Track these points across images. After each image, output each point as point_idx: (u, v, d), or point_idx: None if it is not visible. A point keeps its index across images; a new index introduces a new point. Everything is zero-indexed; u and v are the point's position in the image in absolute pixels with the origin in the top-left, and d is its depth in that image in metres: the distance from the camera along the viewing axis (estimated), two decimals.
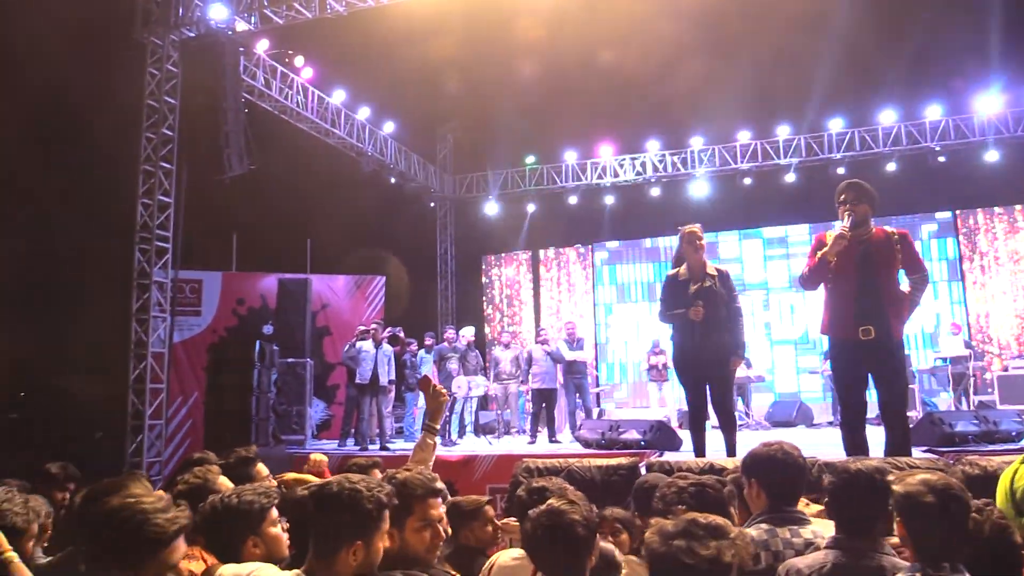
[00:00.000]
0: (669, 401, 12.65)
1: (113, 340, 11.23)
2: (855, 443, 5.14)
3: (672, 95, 13.68)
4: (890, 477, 2.45)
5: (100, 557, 2.00)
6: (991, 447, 6.68)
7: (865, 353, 5.08)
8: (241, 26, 11.30)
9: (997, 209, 14.91)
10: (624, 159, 16.49)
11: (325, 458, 5.98)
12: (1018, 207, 14.79)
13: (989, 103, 14.10)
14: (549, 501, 2.43)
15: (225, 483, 2.97)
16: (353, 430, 10.56)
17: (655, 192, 16.31)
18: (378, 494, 2.19)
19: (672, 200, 16.21)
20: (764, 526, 2.75)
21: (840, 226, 5.16)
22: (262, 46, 12.31)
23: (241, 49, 11.39)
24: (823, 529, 2.67)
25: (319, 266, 14.41)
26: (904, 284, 5.28)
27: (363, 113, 14.70)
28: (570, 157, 16.84)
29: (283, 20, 11.35)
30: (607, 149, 16.50)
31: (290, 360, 11.45)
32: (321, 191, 14.61)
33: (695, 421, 6.44)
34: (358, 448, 9.92)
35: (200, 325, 13.29)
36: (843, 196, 5.25)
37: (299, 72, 13.18)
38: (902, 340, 5.28)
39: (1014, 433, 7.14)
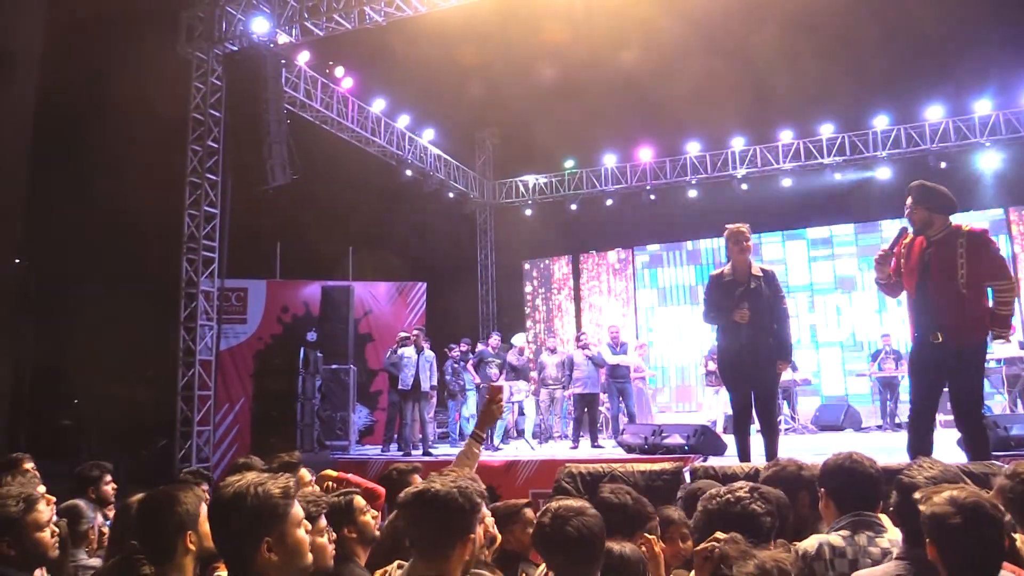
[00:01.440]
0: (722, 406, 12.51)
1: (163, 348, 11.48)
2: (915, 445, 5.08)
3: (710, 96, 13.56)
4: (917, 495, 2.35)
5: (226, 546, 2.06)
6: None
7: (937, 357, 4.95)
8: (282, 39, 11.49)
9: None
10: (664, 161, 16.38)
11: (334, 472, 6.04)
12: None
13: None
14: (560, 502, 2.45)
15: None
16: (396, 435, 10.65)
17: (695, 194, 16.17)
18: (474, 487, 2.28)
19: (713, 202, 16.04)
20: (844, 533, 2.72)
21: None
22: (303, 58, 12.52)
23: (283, 61, 11.57)
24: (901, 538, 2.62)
25: (361, 273, 14.58)
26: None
27: (402, 121, 14.84)
28: (609, 160, 16.78)
29: (323, 32, 11.51)
30: (646, 151, 16.41)
31: (334, 366, 11.60)
32: (362, 199, 14.79)
33: (740, 425, 6.33)
34: (401, 453, 9.99)
35: (246, 333, 13.52)
36: (906, 200, 5.07)
37: (339, 82, 13.38)
38: (974, 345, 5.00)
39: None
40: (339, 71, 13.28)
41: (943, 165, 14.40)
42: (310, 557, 2.15)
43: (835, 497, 2.87)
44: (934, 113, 14.39)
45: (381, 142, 14.38)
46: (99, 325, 14.34)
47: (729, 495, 2.59)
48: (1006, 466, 3.47)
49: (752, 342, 6.00)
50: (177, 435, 10.66)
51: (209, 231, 11.14)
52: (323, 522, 2.55)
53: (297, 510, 2.14)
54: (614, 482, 4.23)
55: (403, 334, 10.80)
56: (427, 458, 9.31)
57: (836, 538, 2.68)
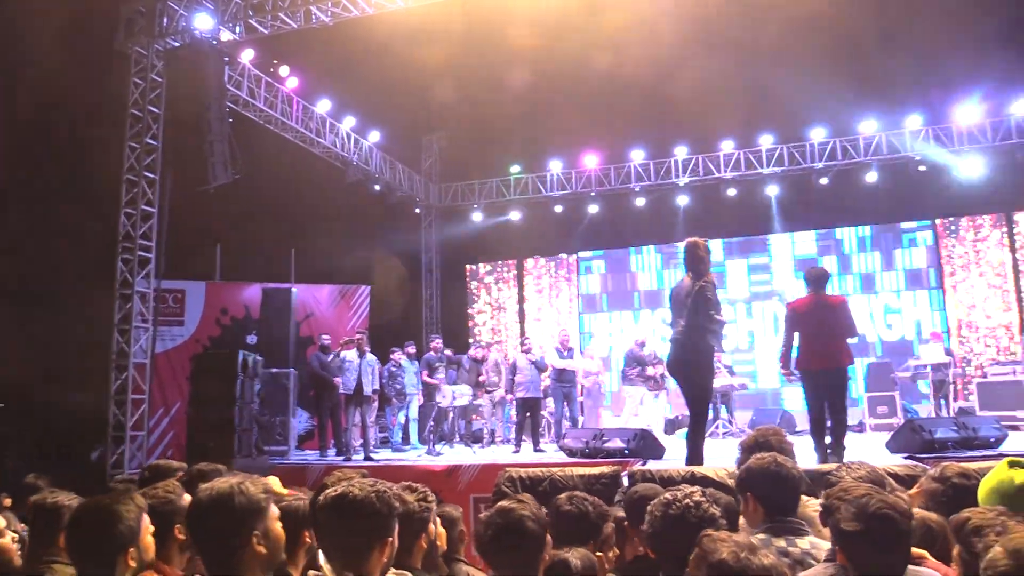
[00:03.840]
0: (659, 410, 12.66)
1: (95, 351, 11.14)
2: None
3: (656, 105, 13.80)
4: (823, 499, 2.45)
5: (212, 542, 2.14)
6: (970, 453, 6.75)
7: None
8: (226, 36, 11.30)
9: (974, 218, 15.11)
10: (609, 168, 16.58)
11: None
12: (990, 216, 15.01)
13: (968, 113, 14.29)
14: (503, 504, 2.48)
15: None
16: (334, 440, 10.56)
17: (639, 202, 16.41)
18: (394, 492, 2.35)
19: (656, 209, 16.32)
20: (761, 536, 2.76)
21: None
22: (247, 56, 12.32)
23: (226, 59, 11.37)
24: (822, 541, 2.69)
25: (303, 276, 14.38)
26: None
27: (348, 123, 14.71)
28: (555, 166, 16.91)
29: (268, 30, 11.35)
30: (592, 159, 16.58)
31: (274, 370, 11.41)
32: (306, 200, 14.61)
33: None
34: (341, 459, 9.89)
35: (183, 335, 13.22)
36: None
37: (284, 82, 13.19)
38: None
39: (992, 439, 7.23)
40: (284, 70, 13.10)
41: (872, 176, 14.93)
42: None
43: (763, 501, 2.91)
44: (868, 127, 14.90)
45: (326, 143, 14.23)
46: (29, 326, 13.84)
47: (688, 500, 2.63)
48: (931, 468, 3.63)
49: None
50: (109, 440, 10.36)
51: (146, 230, 10.87)
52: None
53: (274, 508, 2.26)
54: (555, 486, 4.27)
55: (346, 339, 10.74)
56: (368, 463, 9.23)
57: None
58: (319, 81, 13.91)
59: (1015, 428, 10.35)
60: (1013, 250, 14.88)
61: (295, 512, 2.78)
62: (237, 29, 11.41)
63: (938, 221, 15.31)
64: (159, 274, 11.03)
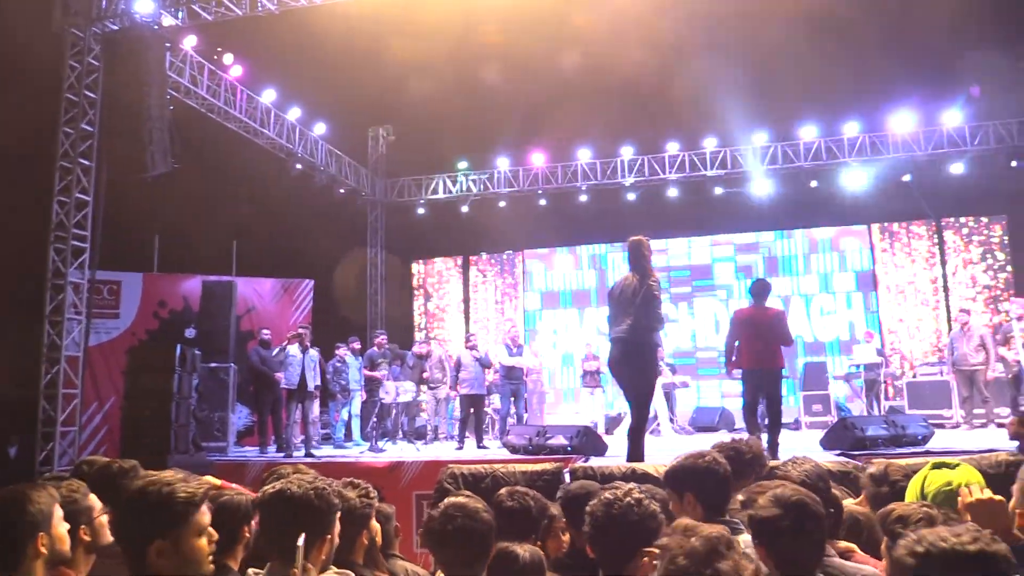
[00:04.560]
0: (600, 407, 12.81)
1: (25, 343, 10.75)
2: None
3: (602, 106, 13.92)
4: (740, 496, 2.51)
5: (137, 537, 2.05)
6: (899, 450, 7.01)
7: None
8: (168, 21, 11.00)
9: (908, 223, 15.68)
10: (556, 167, 16.67)
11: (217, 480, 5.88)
12: (921, 222, 15.59)
13: (903, 121, 14.78)
14: (451, 500, 2.49)
15: (95, 501, 2.67)
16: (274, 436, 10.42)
17: (585, 199, 16.54)
18: (332, 489, 2.35)
19: (602, 208, 16.47)
20: None
21: None
22: (189, 42, 12.01)
23: (167, 44, 11.07)
24: None
25: (245, 269, 14.11)
26: None
27: (293, 114, 14.47)
28: (502, 163, 16.93)
29: (212, 16, 11.09)
30: (539, 156, 16.64)
31: (213, 365, 11.17)
32: (248, 192, 14.33)
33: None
34: (282, 455, 9.75)
35: (118, 328, 12.85)
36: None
37: (228, 70, 12.89)
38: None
39: (920, 437, 7.52)
40: (228, 58, 12.80)
41: (814, 184, 15.34)
42: (209, 567, 2.12)
43: (702, 500, 2.95)
44: (808, 132, 15.29)
45: (270, 134, 13.98)
46: None
47: (628, 498, 2.65)
48: (869, 467, 3.75)
49: None
50: (38, 436, 10.00)
51: (80, 219, 10.51)
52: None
53: (202, 517, 2.12)
54: (497, 483, 4.28)
55: (292, 334, 10.58)
56: (309, 459, 9.11)
57: None
58: (264, 70, 13.64)
59: (941, 426, 10.75)
60: (943, 255, 15.48)
61: (235, 507, 2.75)
62: (180, 14, 11.12)
63: (873, 226, 15.83)
64: (94, 265, 10.68)
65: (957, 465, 2.95)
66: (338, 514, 2.39)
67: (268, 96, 13.84)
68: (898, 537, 2.37)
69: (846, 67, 12.87)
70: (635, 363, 6.64)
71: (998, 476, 4.20)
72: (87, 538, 2.49)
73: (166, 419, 9.34)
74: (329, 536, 2.28)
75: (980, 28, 12.17)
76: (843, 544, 2.90)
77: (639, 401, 6.79)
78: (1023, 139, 14.61)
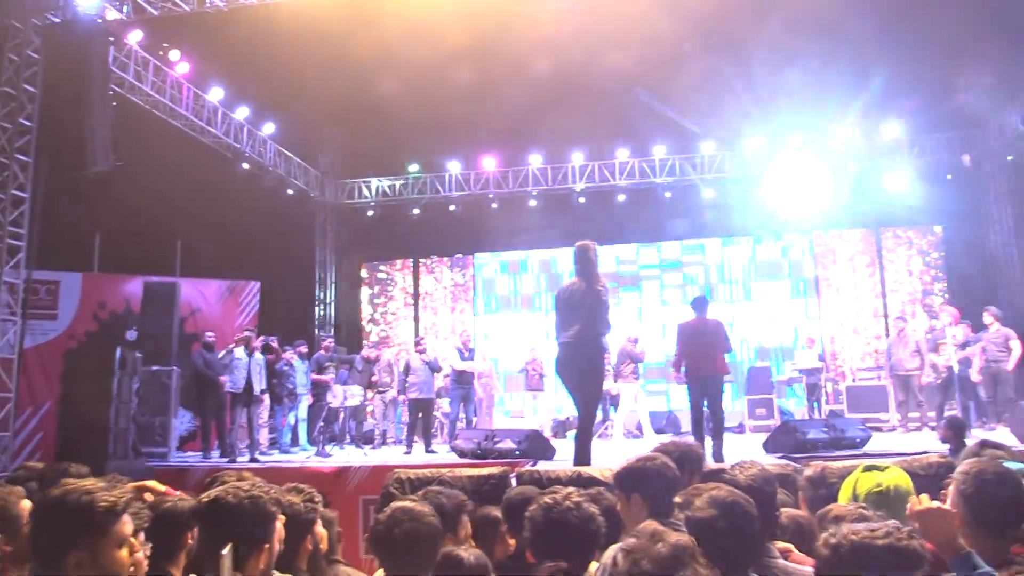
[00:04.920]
0: (543, 411, 12.88)
1: None
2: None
3: (553, 112, 13.99)
4: (678, 499, 2.58)
5: (53, 547, 1.97)
6: (838, 453, 7.20)
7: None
8: (112, 14, 10.74)
9: (848, 231, 16.14)
10: (507, 171, 16.73)
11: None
12: (861, 231, 16.07)
13: (843, 132, 15.19)
14: (397, 505, 2.49)
15: (27, 507, 2.65)
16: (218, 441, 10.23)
17: (536, 204, 16.62)
18: (269, 497, 2.30)
19: (552, 213, 16.57)
20: None
21: None
22: (135, 37, 11.73)
23: (111, 39, 10.80)
24: None
25: (189, 270, 13.81)
26: None
27: (241, 113, 14.25)
28: (453, 167, 16.91)
29: (158, 11, 10.87)
30: (490, 160, 16.67)
31: (154, 368, 10.91)
32: (194, 192, 14.01)
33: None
34: (226, 460, 9.57)
35: (56, 330, 12.46)
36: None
37: (174, 66, 12.64)
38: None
39: (858, 440, 7.75)
40: (174, 54, 12.54)
41: (759, 191, 15.68)
42: None
43: (650, 502, 2.96)
44: (753, 141, 15.62)
45: (217, 132, 13.74)
46: None
47: (567, 502, 2.67)
48: (806, 470, 3.85)
49: None
50: None
51: (17, 217, 10.18)
52: (142, 536, 2.45)
53: (123, 527, 2.06)
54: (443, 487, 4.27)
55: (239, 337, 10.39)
56: (254, 464, 8.97)
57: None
58: (212, 68, 13.39)
59: (878, 429, 11.08)
60: (881, 263, 15.97)
61: (178, 514, 2.71)
62: (125, 8, 10.86)
63: (816, 234, 16.25)
64: (30, 264, 10.35)
65: (887, 468, 3.05)
66: (277, 522, 2.36)
67: (215, 94, 13.60)
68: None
69: (791, 79, 13.16)
70: (582, 367, 6.68)
71: (928, 477, 4.36)
72: (7, 548, 2.41)
73: (104, 424, 9.11)
74: (267, 545, 2.25)
75: (919, 44, 12.59)
76: (781, 544, 2.97)
77: (586, 404, 6.85)
78: (959, 153, 15.20)
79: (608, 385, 10.66)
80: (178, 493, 3.59)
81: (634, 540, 1.85)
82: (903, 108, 14.80)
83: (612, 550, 2.76)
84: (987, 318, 10.60)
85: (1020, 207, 14.92)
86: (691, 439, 3.92)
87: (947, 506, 2.42)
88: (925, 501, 2.43)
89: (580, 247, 6.85)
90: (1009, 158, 14.47)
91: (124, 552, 2.06)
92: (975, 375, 10.44)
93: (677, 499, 2.57)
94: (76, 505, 2.00)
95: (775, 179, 14.60)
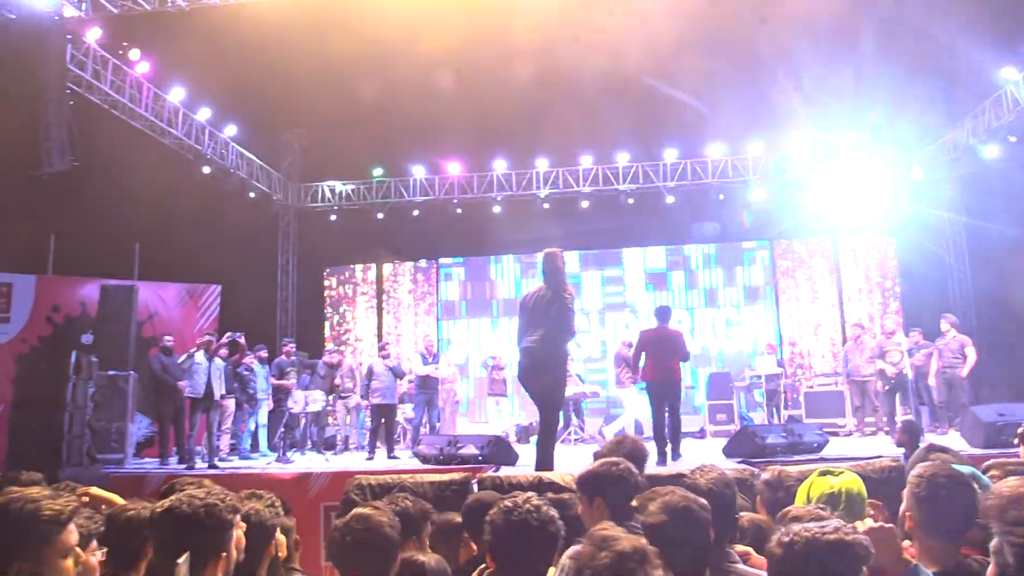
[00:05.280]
0: (507, 416, 12.89)
1: None
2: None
3: (519, 119, 14.05)
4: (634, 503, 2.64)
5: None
6: (796, 457, 7.32)
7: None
8: (70, 11, 10.54)
9: (807, 239, 16.44)
10: (472, 176, 16.72)
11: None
12: (819, 239, 16.39)
13: (800, 144, 15.49)
14: (355, 511, 2.49)
15: None
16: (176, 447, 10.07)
17: (499, 211, 16.63)
18: (225, 505, 2.26)
19: (516, 219, 16.60)
20: None
21: None
22: (93, 35, 11.52)
23: (69, 36, 10.60)
24: None
25: (148, 273, 13.57)
26: None
27: (203, 114, 14.05)
28: (418, 171, 16.86)
29: (118, 9, 10.70)
30: (455, 166, 16.65)
31: (111, 372, 10.69)
32: (153, 193, 13.76)
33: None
34: (183, 467, 9.41)
35: (8, 333, 12.17)
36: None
37: (134, 66, 12.43)
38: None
39: (816, 445, 7.89)
40: (134, 53, 12.33)
41: (721, 196, 15.90)
42: None
43: (611, 505, 3.03)
44: (715, 151, 15.84)
45: (178, 133, 13.54)
46: None
47: (527, 504, 2.68)
48: (764, 474, 3.92)
49: None
50: None
51: None
52: (94, 543, 2.40)
53: (68, 537, 2.02)
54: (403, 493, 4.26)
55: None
56: (213, 471, 8.84)
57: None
58: (173, 68, 13.18)
59: (836, 434, 11.29)
60: (838, 271, 16.29)
61: (138, 522, 2.67)
62: (83, 5, 10.69)
63: (776, 242, 16.52)
64: None
65: (842, 472, 3.12)
66: (236, 530, 2.34)
67: (176, 95, 13.40)
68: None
69: (750, 92, 13.39)
70: (546, 373, 6.72)
71: (880, 481, 4.47)
72: None
73: (58, 430, 8.88)
74: (224, 554, 2.23)
75: (875, 58, 12.87)
76: (740, 548, 3.02)
77: (549, 410, 6.88)
78: (913, 165, 15.59)
79: (572, 389, 10.73)
80: (122, 501, 3.54)
81: (581, 547, 1.88)
82: (860, 121, 15.15)
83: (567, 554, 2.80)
84: (944, 325, 10.88)
85: (971, 218, 15.35)
86: (639, 438, 3.99)
87: (886, 524, 2.47)
88: (868, 522, 2.48)
89: (548, 254, 6.90)
90: (962, 170, 14.87)
91: (69, 562, 2.03)
92: (932, 379, 10.72)
93: (634, 503, 2.61)
94: (19, 515, 1.96)
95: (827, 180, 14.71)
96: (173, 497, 2.24)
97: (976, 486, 2.74)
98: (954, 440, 9.38)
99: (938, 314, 11.47)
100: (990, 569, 1.70)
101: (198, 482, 3.69)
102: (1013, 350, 13.53)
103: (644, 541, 1.92)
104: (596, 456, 3.93)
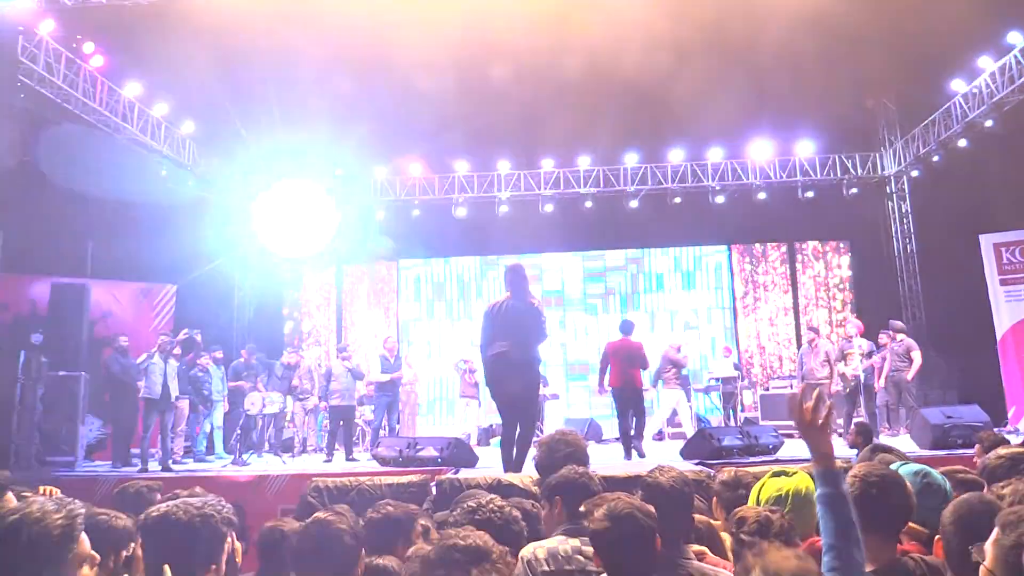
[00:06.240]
0: (477, 418, 12.86)
1: None
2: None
3: (481, 120, 14.05)
4: (583, 508, 2.68)
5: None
6: (752, 459, 7.45)
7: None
8: (22, 2, 10.27)
9: (764, 245, 16.74)
10: (433, 177, 16.65)
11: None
12: (776, 244, 16.73)
13: (761, 150, 15.76)
14: (317, 516, 2.47)
15: None
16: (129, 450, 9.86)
17: (462, 212, 16.61)
18: (220, 516, 2.22)
19: (478, 221, 16.60)
20: (561, 536, 2.93)
21: None
22: (46, 27, 11.22)
23: (20, 28, 10.34)
24: None
25: (101, 271, 13.27)
26: None
27: (159, 110, 13.78)
28: (380, 172, 16.74)
29: (72, 2, 10.45)
30: (416, 167, 16.57)
31: (61, 373, 10.44)
32: (108, 190, 13.47)
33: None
34: (136, 469, 9.23)
35: None
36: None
37: (88, 59, 12.14)
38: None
39: (771, 447, 8.03)
40: (89, 47, 12.04)
41: (677, 200, 16.10)
42: None
43: (568, 506, 3.06)
44: (676, 156, 16.02)
45: (133, 129, 13.25)
46: None
47: (491, 504, 2.70)
48: (720, 475, 3.98)
49: None
50: None
51: None
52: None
53: (83, 547, 1.98)
54: (362, 496, 4.26)
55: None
56: (167, 474, 8.69)
57: (542, 549, 2.87)
58: (129, 63, 12.89)
59: (791, 436, 11.46)
60: (795, 275, 16.61)
61: (111, 531, 2.61)
62: None
63: (733, 247, 16.78)
64: None
65: (795, 473, 3.19)
66: (227, 543, 2.29)
67: (132, 90, 13.12)
68: (741, 538, 2.57)
69: (713, 99, 13.55)
70: (524, 377, 6.90)
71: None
72: None
73: (5, 432, 8.68)
74: (215, 566, 2.16)
75: (829, 69, 13.15)
76: (696, 548, 3.07)
77: (527, 414, 7.02)
78: (863, 171, 16.01)
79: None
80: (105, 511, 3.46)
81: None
82: (815, 128, 15.47)
83: (528, 549, 2.83)
84: (891, 331, 11.18)
85: (920, 223, 15.79)
86: (577, 434, 4.07)
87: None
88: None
89: (511, 267, 7.25)
90: (915, 173, 15.27)
91: (85, 570, 2.00)
92: (879, 383, 10.98)
93: (582, 508, 2.65)
94: (30, 538, 1.88)
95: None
96: (169, 503, 2.19)
97: (930, 482, 2.85)
98: (904, 442, 9.64)
99: (889, 318, 11.78)
100: (989, 559, 1.75)
101: (192, 490, 3.62)
102: (961, 354, 13.92)
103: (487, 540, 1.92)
104: (538, 452, 3.98)
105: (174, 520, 2.11)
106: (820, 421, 2.42)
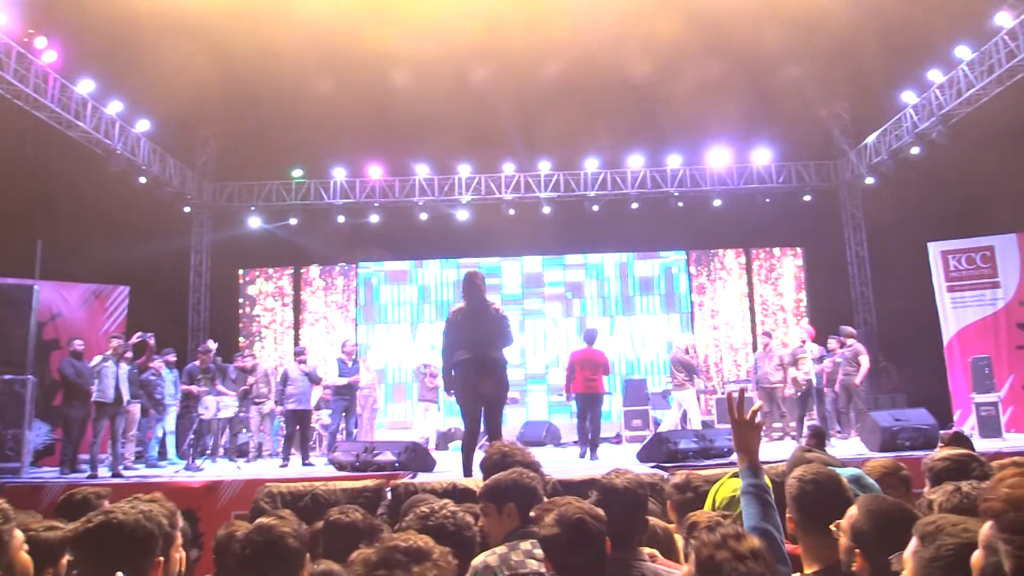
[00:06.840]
0: (434, 422, 12.80)
1: None
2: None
3: (442, 124, 14.03)
4: (532, 513, 2.71)
5: None
6: (707, 462, 7.54)
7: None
8: None
9: (720, 251, 16.99)
10: (394, 180, 16.58)
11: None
12: (733, 249, 17.02)
13: (718, 157, 16.01)
14: (260, 521, 2.46)
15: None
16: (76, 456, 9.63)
17: (423, 216, 16.56)
18: (160, 511, 2.24)
19: (439, 224, 16.57)
20: (512, 541, 2.94)
21: None
22: None
23: None
24: None
25: (51, 272, 12.91)
26: None
27: (114, 107, 13.49)
28: (339, 174, 16.60)
29: None
30: (376, 169, 16.47)
31: (7, 377, 10.15)
32: (58, 188, 13.17)
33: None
34: (86, 475, 9.02)
35: None
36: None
37: (40, 54, 11.84)
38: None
39: (726, 449, 8.13)
40: (40, 42, 11.74)
41: (635, 205, 16.27)
42: None
43: (521, 511, 3.07)
44: (635, 162, 16.18)
45: (85, 127, 12.94)
46: None
47: (444, 510, 2.70)
48: (673, 478, 4.02)
49: None
50: None
51: None
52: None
53: (18, 532, 2.08)
54: (317, 502, 4.22)
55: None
56: (117, 480, 8.51)
57: (493, 556, 2.87)
58: (82, 59, 12.60)
59: None
60: (750, 279, 16.89)
61: (41, 544, 2.54)
62: None
63: (691, 252, 17.00)
64: None
65: None
66: (174, 542, 2.28)
67: (86, 86, 12.83)
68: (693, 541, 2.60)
69: (673, 106, 13.72)
70: (495, 379, 6.94)
71: (783, 484, 4.62)
72: None
73: None
74: (160, 559, 2.16)
75: (787, 79, 13.42)
76: (648, 550, 3.11)
77: (494, 415, 7.02)
78: (818, 179, 16.36)
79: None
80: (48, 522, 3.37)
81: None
82: (771, 137, 15.76)
83: (479, 559, 2.83)
84: (840, 336, 11.43)
85: (872, 230, 16.18)
86: (524, 447, 4.11)
87: None
88: None
89: (469, 275, 7.27)
90: (869, 181, 15.62)
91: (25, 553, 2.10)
92: (829, 388, 11.22)
93: (532, 513, 2.66)
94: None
95: None
96: (106, 509, 2.16)
97: (858, 486, 2.92)
98: (854, 444, 9.85)
99: (841, 323, 12.04)
100: (977, 557, 1.69)
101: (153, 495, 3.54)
102: (910, 359, 14.27)
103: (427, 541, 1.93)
104: (483, 464, 3.99)
105: (118, 522, 2.10)
106: (755, 420, 2.49)
